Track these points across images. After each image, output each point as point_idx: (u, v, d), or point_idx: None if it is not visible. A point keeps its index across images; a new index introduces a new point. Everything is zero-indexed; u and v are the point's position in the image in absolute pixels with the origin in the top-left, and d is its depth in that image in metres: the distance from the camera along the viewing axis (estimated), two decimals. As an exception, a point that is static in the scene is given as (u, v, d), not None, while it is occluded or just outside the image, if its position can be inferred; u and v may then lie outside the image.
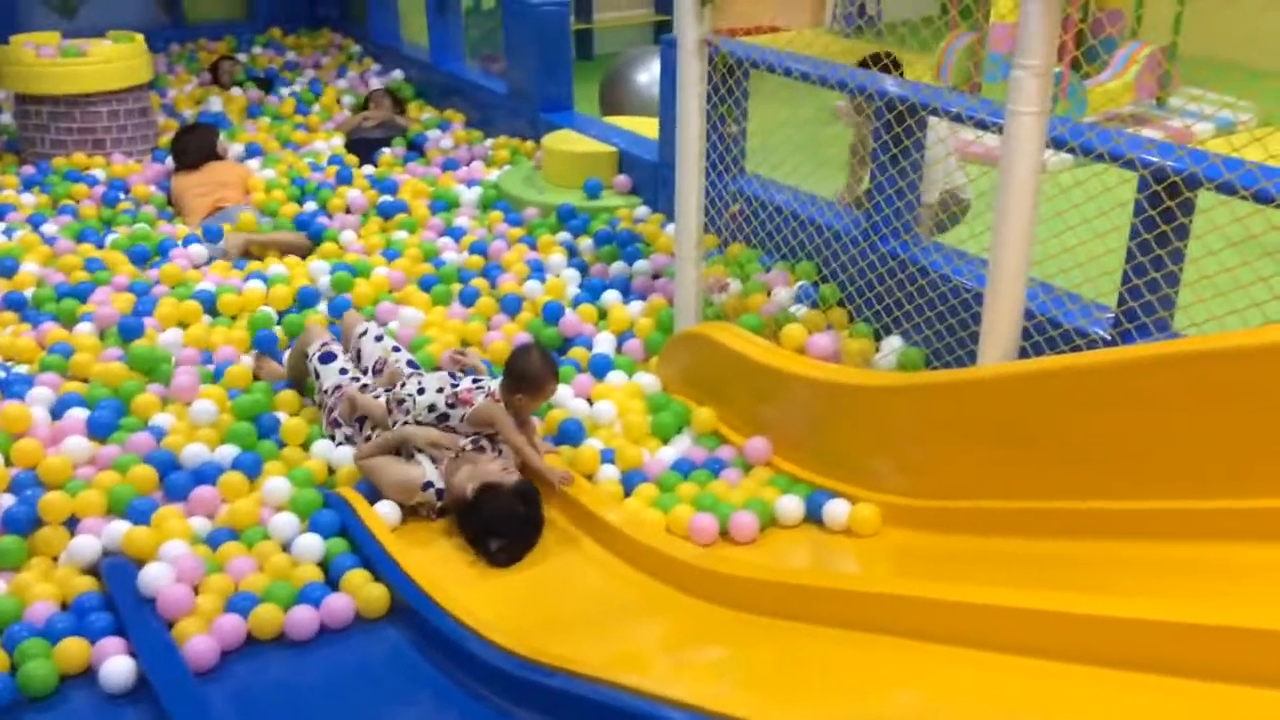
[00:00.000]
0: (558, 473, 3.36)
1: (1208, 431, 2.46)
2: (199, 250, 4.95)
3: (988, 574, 2.74)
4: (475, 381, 3.49)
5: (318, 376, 3.74)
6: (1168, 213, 2.96)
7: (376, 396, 3.56)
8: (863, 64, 4.21)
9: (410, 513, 3.35)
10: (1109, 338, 3.16)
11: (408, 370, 3.69)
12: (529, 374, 3.37)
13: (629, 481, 3.46)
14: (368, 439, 3.51)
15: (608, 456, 3.54)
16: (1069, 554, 2.64)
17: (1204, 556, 2.43)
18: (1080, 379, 2.67)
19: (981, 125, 3.30)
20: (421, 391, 3.45)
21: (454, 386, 3.46)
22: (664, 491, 3.41)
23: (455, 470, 3.32)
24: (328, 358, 3.75)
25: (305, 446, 3.63)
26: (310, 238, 5.15)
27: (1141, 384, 2.55)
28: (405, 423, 3.44)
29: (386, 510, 3.30)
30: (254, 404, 3.70)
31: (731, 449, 3.63)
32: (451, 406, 3.41)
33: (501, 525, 3.15)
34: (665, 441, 3.70)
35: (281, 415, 3.74)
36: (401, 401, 3.48)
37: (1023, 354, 3.02)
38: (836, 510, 3.23)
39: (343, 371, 3.72)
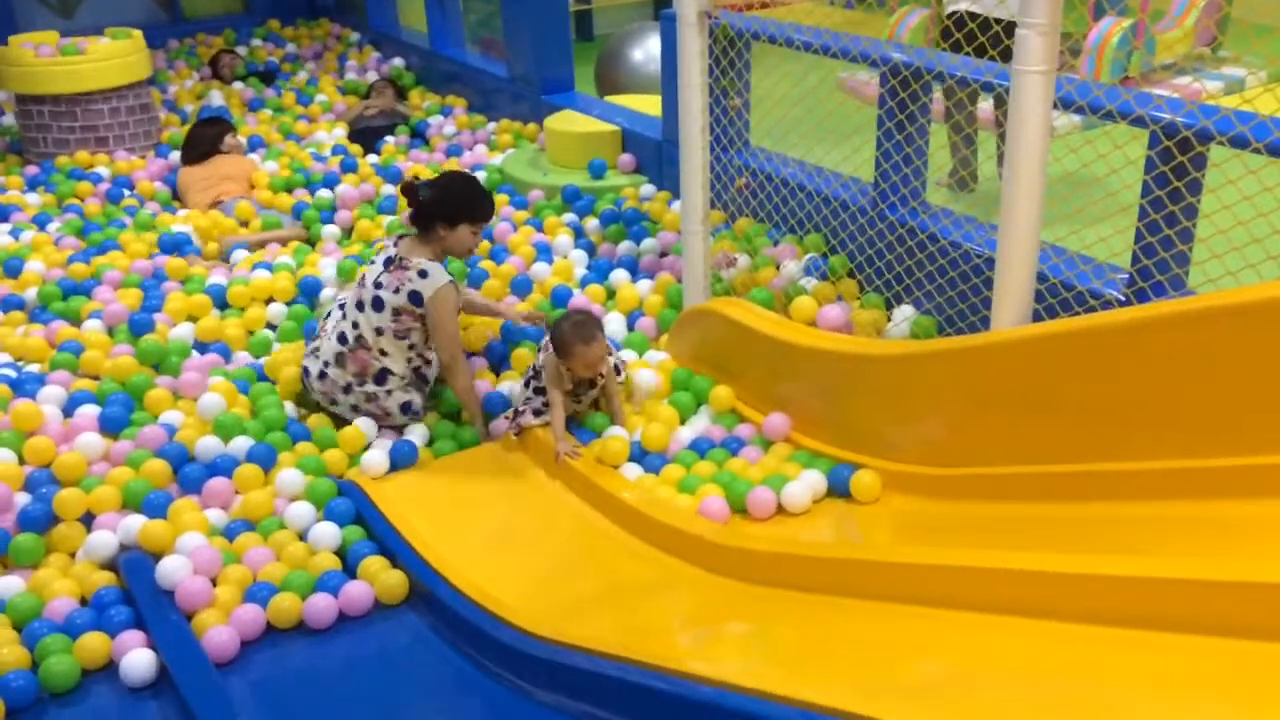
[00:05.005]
0: (565, 445, 3.40)
1: (1225, 388, 2.43)
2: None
3: (1013, 540, 2.71)
4: None
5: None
6: (1180, 168, 2.92)
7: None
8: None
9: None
10: (1124, 298, 3.13)
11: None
12: (556, 340, 3.49)
13: (648, 462, 3.45)
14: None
15: (636, 452, 3.49)
16: (1093, 516, 2.62)
17: (1223, 514, 2.41)
18: (1096, 340, 2.64)
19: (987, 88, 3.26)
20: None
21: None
22: (683, 470, 3.38)
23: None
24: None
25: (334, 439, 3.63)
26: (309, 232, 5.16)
27: (1158, 343, 2.51)
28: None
29: (376, 458, 3.43)
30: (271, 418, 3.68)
31: (750, 426, 3.60)
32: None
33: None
34: (683, 421, 3.68)
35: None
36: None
37: (1036, 317, 2.99)
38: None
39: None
